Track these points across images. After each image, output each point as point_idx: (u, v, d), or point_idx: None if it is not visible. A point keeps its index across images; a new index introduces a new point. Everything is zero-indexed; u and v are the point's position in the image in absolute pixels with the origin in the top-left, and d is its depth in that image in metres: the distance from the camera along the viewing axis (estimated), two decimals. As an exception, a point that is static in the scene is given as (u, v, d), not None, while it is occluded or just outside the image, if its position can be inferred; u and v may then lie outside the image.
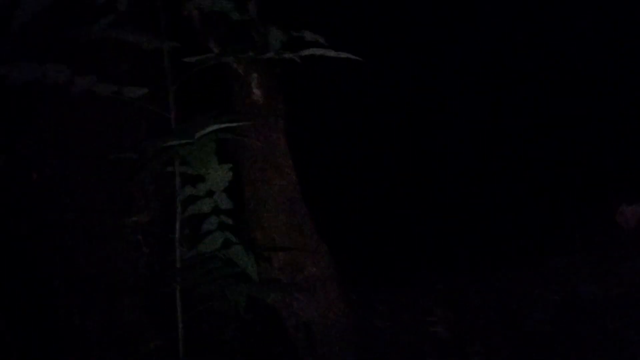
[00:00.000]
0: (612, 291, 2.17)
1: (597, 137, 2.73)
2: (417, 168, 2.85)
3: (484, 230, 2.72)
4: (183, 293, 1.81)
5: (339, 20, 2.74)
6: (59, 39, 1.94)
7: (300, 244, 2.43)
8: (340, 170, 2.84)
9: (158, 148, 1.68)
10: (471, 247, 2.74)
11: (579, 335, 2.08)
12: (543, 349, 2.10)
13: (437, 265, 2.88)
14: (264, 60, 2.52)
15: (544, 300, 2.23)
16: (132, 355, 1.98)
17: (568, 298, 2.19)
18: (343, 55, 1.60)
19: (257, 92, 2.55)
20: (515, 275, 2.54)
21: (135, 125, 1.96)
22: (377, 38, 2.73)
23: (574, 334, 2.09)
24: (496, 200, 2.75)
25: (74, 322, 2.13)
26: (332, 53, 1.59)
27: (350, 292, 2.59)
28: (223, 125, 1.62)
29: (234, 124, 1.62)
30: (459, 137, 2.79)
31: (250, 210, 2.53)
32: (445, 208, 2.85)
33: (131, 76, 2.06)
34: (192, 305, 1.89)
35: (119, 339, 2.01)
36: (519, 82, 2.76)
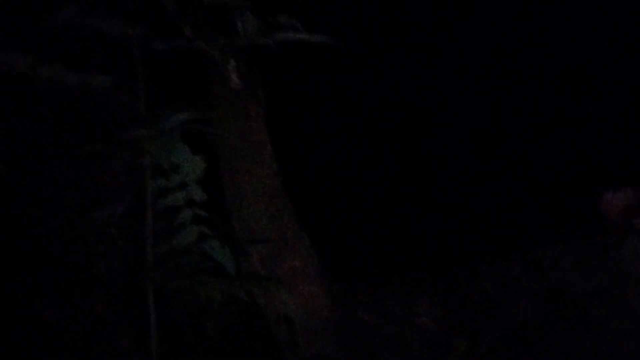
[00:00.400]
0: (596, 282, 2.14)
1: (580, 125, 2.69)
2: (403, 158, 2.80)
3: (470, 220, 2.68)
4: (159, 288, 1.76)
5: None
6: (24, 27, 1.87)
7: (280, 236, 2.38)
8: (322, 159, 2.79)
9: (126, 139, 1.62)
10: (457, 237, 2.70)
11: (562, 327, 2.06)
12: (527, 340, 2.07)
13: (423, 256, 2.84)
14: (243, 47, 2.46)
15: (529, 291, 2.20)
16: (107, 351, 1.92)
17: (553, 289, 2.16)
18: (317, 38, 1.54)
19: (235, 79, 2.48)
20: (501, 265, 2.50)
21: (107, 116, 1.89)
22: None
23: (558, 326, 2.07)
24: (482, 191, 2.71)
25: (47, 319, 2.08)
26: (305, 36, 1.53)
27: (332, 284, 2.54)
28: (192, 116, 1.56)
29: (207, 114, 1.56)
30: (443, 128, 2.74)
31: (229, 201, 2.46)
32: (431, 198, 2.81)
33: (102, 66, 1.99)
34: (169, 301, 1.84)
35: (93, 335, 1.95)
36: (507, 72, 2.72)
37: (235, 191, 2.47)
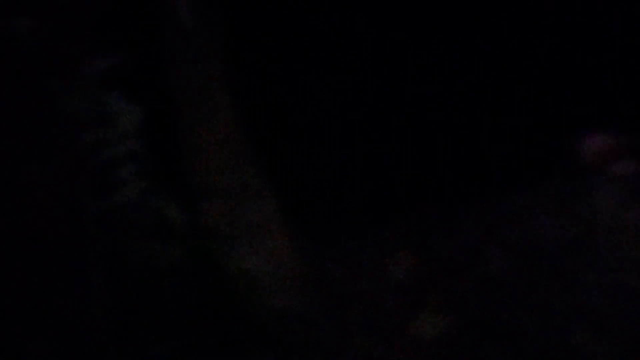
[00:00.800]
0: (568, 232, 2.05)
1: (558, 68, 2.54)
2: (373, 103, 2.64)
3: (445, 166, 2.55)
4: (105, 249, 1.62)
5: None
6: None
7: (241, 189, 2.23)
8: (289, 105, 2.61)
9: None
10: (432, 185, 2.58)
11: (535, 279, 1.97)
12: (501, 292, 1.99)
13: (401, 205, 2.72)
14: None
15: (503, 241, 2.09)
16: (52, 317, 1.80)
17: (526, 239, 2.07)
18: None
19: (187, 16, 2.27)
20: (477, 213, 2.39)
21: (30, 63, 1.69)
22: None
23: (531, 278, 1.98)
24: (457, 136, 2.57)
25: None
26: None
27: (300, 239, 2.42)
28: (117, 61, 1.38)
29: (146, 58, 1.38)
30: (415, 71, 2.58)
31: (187, 153, 2.30)
32: (406, 144, 2.66)
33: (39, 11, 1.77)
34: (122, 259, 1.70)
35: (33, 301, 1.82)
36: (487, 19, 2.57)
37: (193, 142, 2.30)
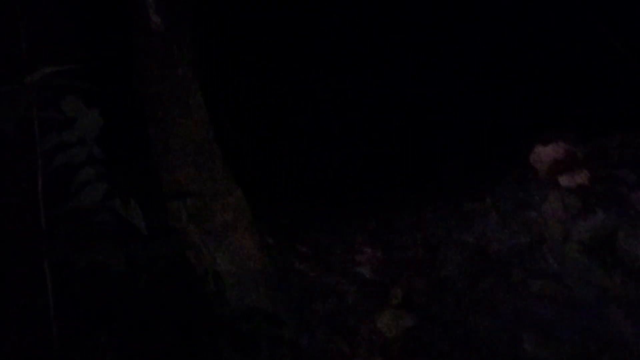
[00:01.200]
0: (517, 240, 2.08)
1: (509, 77, 2.58)
2: (343, 100, 2.67)
3: (410, 170, 2.59)
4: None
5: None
6: None
7: (209, 189, 2.26)
8: (256, 104, 2.64)
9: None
10: (399, 186, 2.62)
11: (487, 283, 2.02)
12: (456, 293, 2.03)
13: (367, 204, 2.76)
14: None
15: (460, 242, 2.13)
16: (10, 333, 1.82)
17: (479, 244, 2.10)
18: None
19: (155, 18, 2.28)
20: (438, 215, 2.43)
21: None
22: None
23: (483, 282, 2.02)
24: (421, 138, 2.61)
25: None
26: None
27: (268, 236, 2.45)
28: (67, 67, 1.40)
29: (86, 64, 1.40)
30: (384, 75, 2.61)
31: (155, 153, 2.33)
32: (374, 146, 2.70)
33: None
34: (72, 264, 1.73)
35: None
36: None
37: (162, 142, 2.32)
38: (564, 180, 2.05)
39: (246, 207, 2.33)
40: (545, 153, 2.10)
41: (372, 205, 2.74)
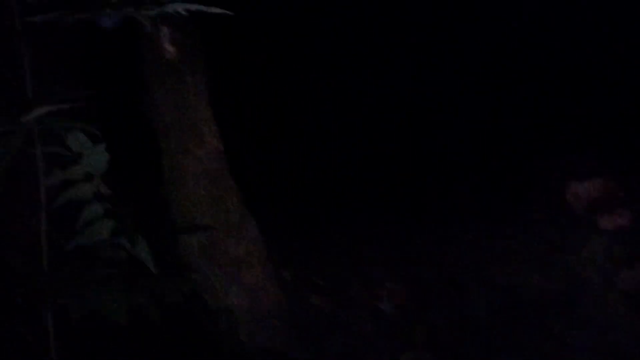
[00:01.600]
0: (554, 284, 1.95)
1: (546, 108, 2.48)
2: (363, 133, 2.60)
3: (437, 203, 2.48)
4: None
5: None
6: None
7: (222, 222, 2.19)
8: (272, 135, 2.57)
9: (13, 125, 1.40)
10: (425, 219, 2.51)
11: (519, 328, 1.89)
12: (484, 335, 1.91)
13: (390, 238, 2.66)
14: (177, 13, 2.22)
15: (489, 282, 2.01)
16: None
17: (511, 284, 1.98)
18: (214, 10, 1.34)
19: (169, 48, 2.24)
20: (467, 251, 2.32)
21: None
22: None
23: (514, 326, 1.90)
24: (450, 173, 2.51)
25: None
26: (202, 8, 1.33)
27: (283, 269, 2.37)
28: (76, 95, 1.35)
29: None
30: (412, 110, 2.54)
31: (168, 184, 2.27)
32: (403, 176, 2.60)
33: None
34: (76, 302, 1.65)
35: None
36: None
37: (174, 173, 2.27)
38: (604, 222, 1.92)
39: (260, 239, 2.25)
40: (582, 190, 1.97)
41: (394, 237, 2.64)
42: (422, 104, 2.55)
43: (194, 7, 1.35)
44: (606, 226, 1.94)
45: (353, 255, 2.65)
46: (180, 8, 1.42)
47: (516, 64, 2.64)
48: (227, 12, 1.35)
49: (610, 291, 1.84)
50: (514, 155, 2.44)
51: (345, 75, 2.53)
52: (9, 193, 1.53)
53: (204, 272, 2.12)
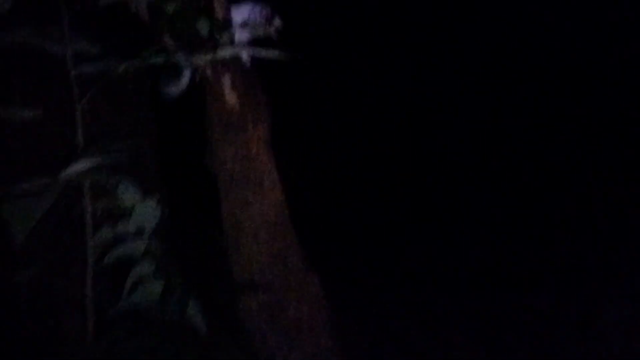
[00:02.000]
0: None
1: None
2: (426, 189, 2.42)
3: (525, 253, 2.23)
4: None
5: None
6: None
7: (283, 279, 2.03)
8: (336, 187, 2.42)
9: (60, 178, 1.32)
10: (509, 268, 2.26)
11: None
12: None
13: (465, 289, 2.43)
14: (238, 60, 2.13)
15: (583, 348, 1.74)
16: None
17: (612, 354, 1.70)
18: (274, 54, 1.23)
19: (231, 96, 2.15)
20: (553, 308, 2.06)
21: (40, 150, 1.59)
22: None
23: None
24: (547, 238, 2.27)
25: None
26: (262, 53, 1.22)
27: (349, 330, 2.17)
28: (130, 146, 1.25)
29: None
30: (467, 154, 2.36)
31: (227, 237, 2.15)
32: (468, 225, 2.40)
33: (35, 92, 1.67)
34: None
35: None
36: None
37: (234, 225, 2.15)
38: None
39: (324, 300, 2.07)
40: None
41: (465, 293, 2.41)
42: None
43: (251, 50, 1.24)
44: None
45: (419, 310, 2.41)
46: (240, 52, 1.33)
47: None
48: (291, 54, 1.23)
49: None
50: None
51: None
52: (54, 250, 1.44)
53: (263, 335, 1.96)
